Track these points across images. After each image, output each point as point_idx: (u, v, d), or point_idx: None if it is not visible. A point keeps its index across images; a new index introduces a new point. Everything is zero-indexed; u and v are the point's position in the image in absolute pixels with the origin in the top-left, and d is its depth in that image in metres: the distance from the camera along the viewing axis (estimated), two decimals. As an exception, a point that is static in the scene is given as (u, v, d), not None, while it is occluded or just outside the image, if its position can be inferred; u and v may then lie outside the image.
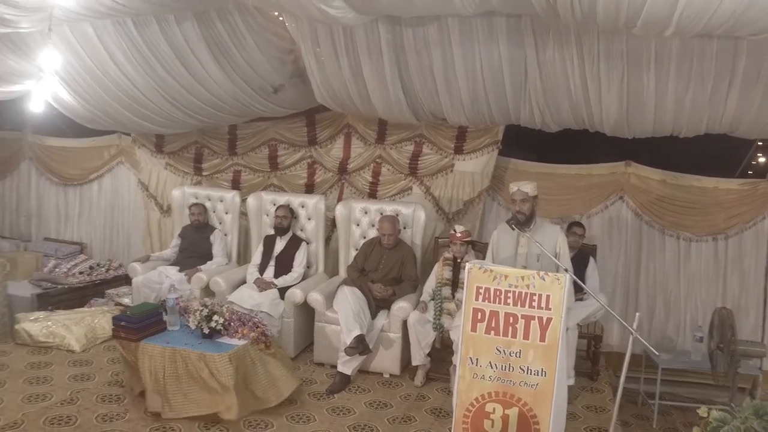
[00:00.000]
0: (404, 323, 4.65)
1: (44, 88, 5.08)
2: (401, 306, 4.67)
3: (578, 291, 4.92)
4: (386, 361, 4.74)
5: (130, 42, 4.57)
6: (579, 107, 4.39)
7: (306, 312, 5.02)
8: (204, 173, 6.57)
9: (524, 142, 5.87)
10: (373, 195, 6.11)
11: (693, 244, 5.65)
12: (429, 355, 4.59)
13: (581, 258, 5.07)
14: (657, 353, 3.23)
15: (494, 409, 3.00)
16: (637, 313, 3.16)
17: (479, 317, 3.00)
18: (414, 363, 4.63)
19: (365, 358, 4.61)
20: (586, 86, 4.15)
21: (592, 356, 5.03)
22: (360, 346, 4.41)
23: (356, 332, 4.44)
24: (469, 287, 3.03)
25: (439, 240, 5.37)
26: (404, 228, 5.25)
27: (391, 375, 4.74)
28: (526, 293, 2.91)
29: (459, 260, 4.73)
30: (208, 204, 5.83)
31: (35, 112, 5.34)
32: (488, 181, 5.79)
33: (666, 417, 4.94)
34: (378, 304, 4.78)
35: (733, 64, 3.83)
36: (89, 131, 6.55)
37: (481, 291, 2.99)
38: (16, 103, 5.68)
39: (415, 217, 5.23)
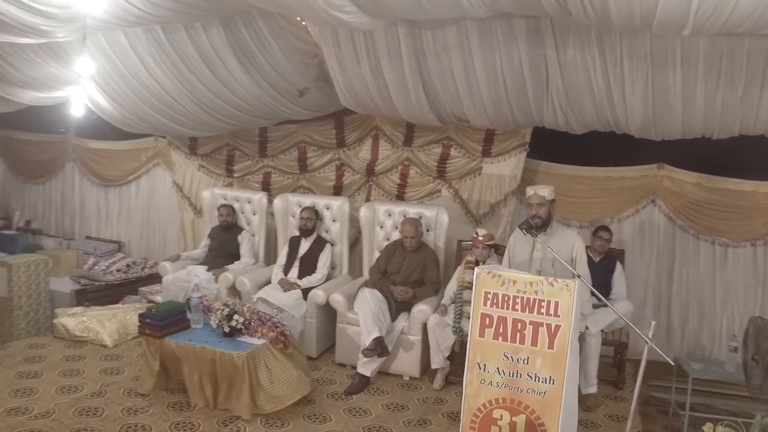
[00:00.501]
0: (424, 326, 4.64)
1: (83, 93, 5.32)
2: (421, 309, 4.67)
3: (603, 296, 4.84)
4: (406, 363, 4.74)
5: (160, 48, 4.73)
6: (603, 108, 4.29)
7: (328, 313, 5.07)
8: (235, 175, 6.72)
9: (555, 144, 5.76)
10: (401, 197, 6.13)
11: (730, 250, 5.44)
12: (448, 358, 4.57)
13: (608, 263, 4.95)
14: (671, 362, 3.11)
15: (501, 415, 2.96)
16: (653, 322, 3.07)
17: (487, 322, 2.98)
18: (433, 366, 4.62)
19: (385, 360, 4.63)
20: (610, 87, 4.06)
21: (618, 364, 4.90)
22: (378, 348, 4.43)
23: (375, 334, 4.46)
24: (477, 292, 3.01)
25: (462, 243, 5.34)
26: (427, 231, 5.24)
27: (410, 377, 4.74)
28: (534, 299, 2.87)
29: (481, 263, 4.69)
30: (236, 205, 5.97)
31: (76, 116, 5.60)
32: (516, 184, 5.72)
33: (697, 429, 4.74)
34: (399, 307, 4.79)
35: (765, 64, 3.67)
36: (129, 134, 6.80)
37: (489, 296, 2.97)
38: (61, 107, 5.96)
39: (438, 219, 5.22)
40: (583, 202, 5.79)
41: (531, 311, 2.88)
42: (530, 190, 3.55)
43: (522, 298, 2.90)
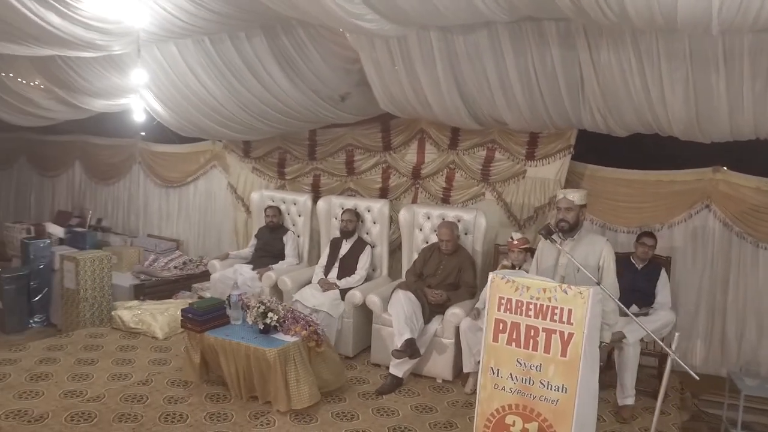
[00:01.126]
0: (457, 329, 4.65)
1: (142, 101, 5.69)
2: (454, 312, 4.67)
3: (645, 305, 4.67)
4: (439, 366, 4.76)
5: (207, 58, 5.00)
6: (642, 111, 4.14)
7: (365, 313, 5.16)
8: (287, 177, 6.96)
9: (603, 146, 5.59)
10: (446, 200, 6.16)
11: (792, 259, 5.10)
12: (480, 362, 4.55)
13: (652, 270, 4.77)
14: (697, 377, 2.96)
15: (514, 422, 2.94)
16: (677, 333, 2.94)
17: (501, 328, 2.96)
18: (465, 370, 4.61)
19: (417, 361, 4.67)
20: (648, 89, 3.91)
21: (660, 375, 4.69)
22: (408, 349, 4.47)
23: (406, 336, 4.51)
24: (491, 297, 3.00)
25: (500, 247, 5.29)
26: (465, 234, 5.23)
27: (443, 380, 4.76)
28: (547, 306, 2.83)
29: (517, 268, 4.63)
30: (282, 207, 6.18)
31: (139, 121, 6.02)
32: (560, 187, 5.59)
33: (748, 449, 4.51)
34: (433, 309, 4.82)
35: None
36: (189, 138, 7.18)
37: (503, 301, 2.95)
38: (127, 113, 6.39)
39: (476, 223, 5.20)
40: (632, 206, 5.59)
41: (544, 318, 2.84)
42: (560, 194, 3.50)
43: (535, 304, 2.86)
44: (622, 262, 4.92)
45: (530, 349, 2.89)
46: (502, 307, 2.96)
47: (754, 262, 5.23)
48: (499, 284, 2.97)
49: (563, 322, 2.80)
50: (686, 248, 5.43)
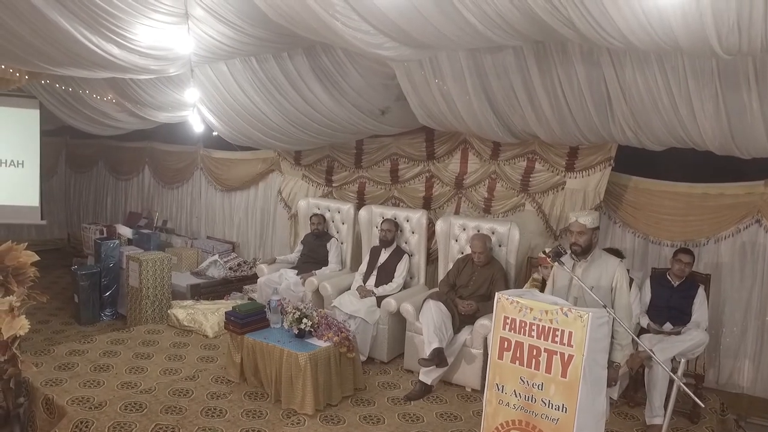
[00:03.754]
0: (486, 340, 4.73)
1: (198, 114, 6.14)
2: (483, 323, 4.76)
3: (680, 323, 4.57)
4: (468, 375, 4.87)
5: (254, 75, 5.33)
6: (674, 127, 4.08)
7: (400, 320, 5.33)
8: (334, 184, 7.24)
9: (648, 158, 5.46)
10: (487, 210, 6.23)
11: None
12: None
13: (689, 288, 4.66)
14: (701, 404, 2.93)
15: (518, 437, 3.05)
16: (682, 360, 2.94)
17: (506, 346, 3.07)
18: (492, 380, 4.69)
19: (446, 370, 4.80)
20: (676, 106, 3.85)
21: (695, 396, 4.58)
22: (436, 359, 4.61)
23: (435, 345, 4.65)
24: (497, 317, 3.10)
25: (532, 260, 5.32)
26: (499, 246, 5.30)
27: (472, 389, 4.86)
28: (549, 328, 2.91)
29: (548, 282, 4.66)
30: (327, 215, 6.45)
31: (198, 131, 6.49)
32: (600, 200, 5.55)
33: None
34: (463, 320, 4.93)
35: None
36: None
37: (508, 321, 3.05)
38: (189, 124, 6.88)
39: (510, 235, 5.26)
40: (676, 219, 5.46)
41: (546, 339, 2.92)
42: (572, 217, 3.52)
43: (538, 325, 2.95)
44: (659, 278, 4.86)
45: (533, 368, 2.98)
46: (507, 327, 3.06)
47: (807, 281, 4.99)
48: (504, 304, 3.07)
49: (564, 344, 2.87)
50: (734, 264, 5.25)
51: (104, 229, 7.75)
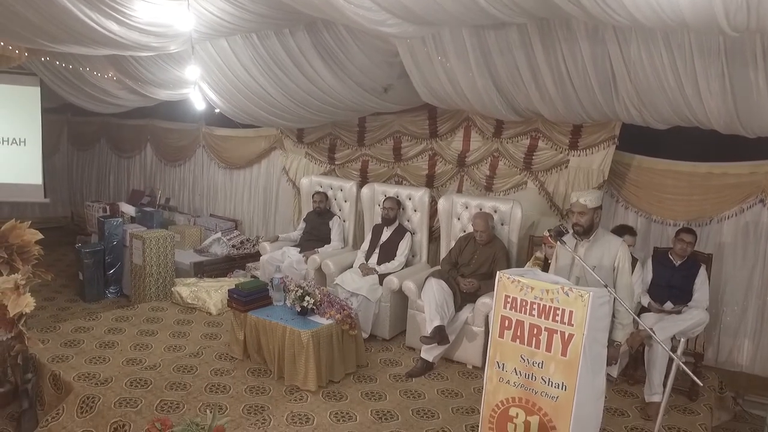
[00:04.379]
0: (487, 317, 4.76)
1: (200, 91, 6.09)
2: (485, 301, 4.79)
3: (681, 302, 4.59)
4: (469, 352, 4.92)
5: (255, 52, 5.28)
6: (678, 105, 4.04)
7: (402, 298, 5.36)
8: (336, 162, 7.22)
9: (653, 136, 5.42)
10: (489, 188, 6.21)
11: None
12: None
13: (690, 267, 4.67)
14: (700, 382, 2.96)
15: (517, 414, 3.07)
16: (682, 339, 2.95)
17: (506, 325, 3.08)
18: (493, 358, 4.73)
19: (448, 347, 4.84)
20: (682, 84, 3.81)
21: (694, 374, 4.61)
22: (437, 336, 4.65)
23: (436, 323, 4.68)
24: (498, 295, 3.12)
25: (534, 238, 5.32)
26: (502, 225, 5.30)
27: (473, 366, 4.91)
28: (550, 307, 2.92)
29: (550, 261, 4.67)
30: (330, 192, 6.44)
31: (199, 109, 6.44)
32: (604, 178, 5.53)
33: (786, 453, 4.40)
34: (464, 298, 4.95)
35: None
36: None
37: (509, 300, 3.06)
38: (190, 101, 6.84)
39: (512, 214, 5.25)
40: (679, 199, 5.44)
41: (547, 318, 2.94)
42: (573, 197, 3.52)
43: (538, 304, 2.96)
44: (660, 257, 4.86)
45: (533, 346, 3.00)
46: (508, 305, 3.07)
47: (809, 261, 4.99)
48: (505, 283, 3.08)
49: (564, 323, 2.89)
50: (736, 244, 5.24)
51: (107, 207, 7.77)
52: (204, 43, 5.31)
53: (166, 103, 7.75)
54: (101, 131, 9.97)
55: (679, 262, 4.69)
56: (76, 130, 10.35)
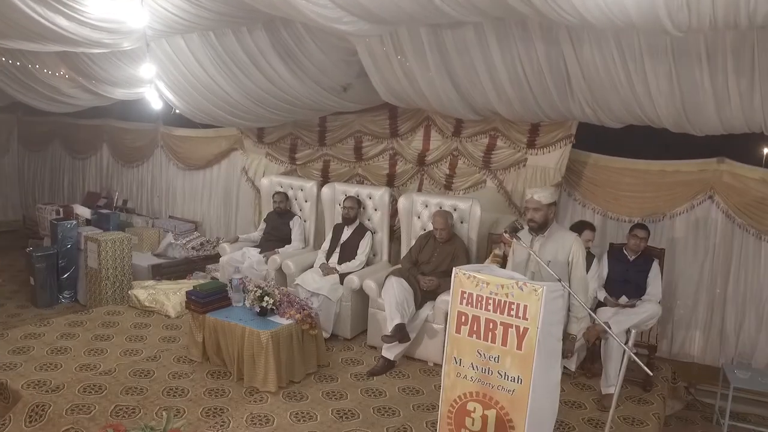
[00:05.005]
0: (446, 315, 4.79)
1: (156, 90, 5.96)
2: (445, 299, 4.81)
3: (636, 296, 4.71)
4: (430, 349, 4.94)
5: (213, 51, 5.20)
6: (630, 104, 4.15)
7: (363, 297, 5.35)
8: (298, 162, 7.17)
9: (608, 136, 5.56)
10: (449, 187, 6.27)
11: (797, 253, 5.04)
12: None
13: (644, 262, 4.80)
14: (650, 372, 3.05)
15: (475, 408, 3.10)
16: (633, 331, 3.03)
17: (463, 320, 3.11)
18: (454, 355, 4.76)
19: (409, 345, 4.85)
20: (633, 83, 3.92)
21: (647, 366, 4.74)
22: (398, 334, 4.66)
23: (397, 321, 4.69)
24: (454, 291, 3.14)
25: (493, 235, 5.39)
26: (461, 223, 5.35)
27: (434, 363, 4.93)
28: (505, 301, 2.95)
29: (508, 258, 4.73)
30: (290, 193, 6.39)
31: (156, 109, 6.30)
32: (561, 176, 5.64)
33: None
34: (424, 296, 4.98)
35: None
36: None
37: (465, 296, 3.09)
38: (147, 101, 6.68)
39: (471, 212, 5.30)
40: (634, 196, 5.60)
41: (502, 312, 2.97)
42: (528, 194, 3.58)
43: (494, 299, 2.99)
44: (615, 253, 4.99)
45: (489, 341, 3.03)
46: (464, 301, 3.10)
47: (756, 255, 5.20)
48: (461, 279, 3.11)
49: (519, 317, 2.93)
50: (687, 239, 5.42)
51: (61, 210, 7.53)
52: (160, 41, 5.20)
53: (122, 103, 7.55)
54: (54, 131, 9.65)
55: (633, 257, 4.81)
56: (27, 131, 9.99)
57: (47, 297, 6.52)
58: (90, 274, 6.25)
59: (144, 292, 5.86)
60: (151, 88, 5.93)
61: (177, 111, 6.60)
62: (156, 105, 6.14)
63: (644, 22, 2.60)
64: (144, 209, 8.54)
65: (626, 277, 4.79)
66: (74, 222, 6.81)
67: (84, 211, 7.41)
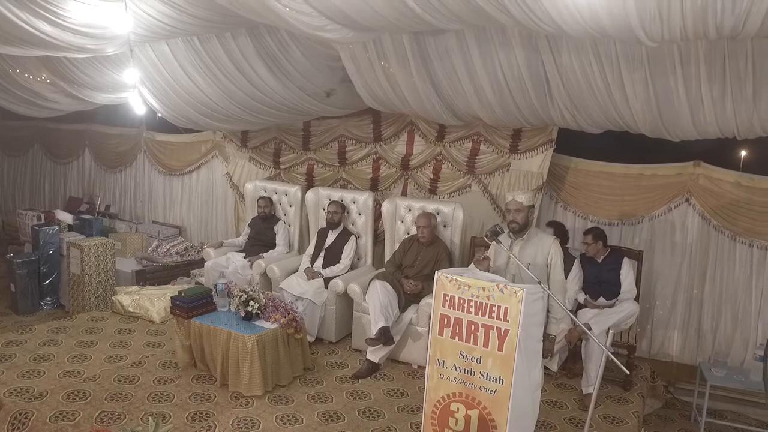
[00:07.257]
0: (430, 318, 4.85)
1: (139, 95, 5.95)
2: (428, 302, 4.87)
3: (613, 296, 4.81)
4: (414, 352, 4.99)
5: (197, 56, 5.21)
6: (608, 110, 4.25)
7: (348, 301, 5.39)
8: (282, 167, 7.19)
9: (590, 140, 5.67)
10: (433, 191, 6.33)
11: (769, 254, 5.18)
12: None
13: (613, 261, 4.87)
14: (627, 372, 3.14)
15: (458, 408, 3.16)
16: (611, 332, 3.11)
17: (445, 322, 3.17)
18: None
19: (393, 348, 4.90)
20: (610, 90, 4.02)
21: (626, 365, 4.84)
22: (382, 337, 4.71)
23: (381, 324, 4.74)
24: (437, 294, 3.20)
25: (475, 239, 5.47)
26: (444, 227, 5.41)
27: (418, 366, 4.98)
28: (486, 304, 3.02)
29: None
30: (274, 197, 6.41)
31: (140, 113, 6.28)
32: (543, 180, 5.74)
33: (713, 436, 4.68)
34: (408, 299, 5.03)
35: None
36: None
37: (448, 298, 3.15)
38: (130, 105, 6.66)
39: (454, 216, 5.37)
40: (613, 198, 5.72)
41: (483, 315, 3.04)
42: (509, 196, 3.66)
43: (475, 302, 3.06)
44: (585, 256, 5.06)
45: (471, 342, 3.09)
46: (447, 304, 3.16)
47: (730, 256, 5.34)
48: (444, 282, 3.17)
49: (500, 319, 2.99)
50: (665, 241, 5.55)
51: (42, 215, 7.46)
52: (143, 46, 5.21)
53: (105, 107, 7.52)
54: (35, 136, 9.57)
55: (601, 258, 4.91)
56: (6, 135, 9.86)
57: (28, 304, 6.47)
58: (73, 280, 6.21)
59: (128, 297, 5.84)
60: (135, 93, 5.92)
61: (160, 116, 6.59)
62: (139, 110, 6.13)
63: (618, 33, 2.69)
64: (127, 214, 8.49)
65: (600, 278, 4.88)
66: (56, 228, 6.76)
67: (66, 217, 7.35)
